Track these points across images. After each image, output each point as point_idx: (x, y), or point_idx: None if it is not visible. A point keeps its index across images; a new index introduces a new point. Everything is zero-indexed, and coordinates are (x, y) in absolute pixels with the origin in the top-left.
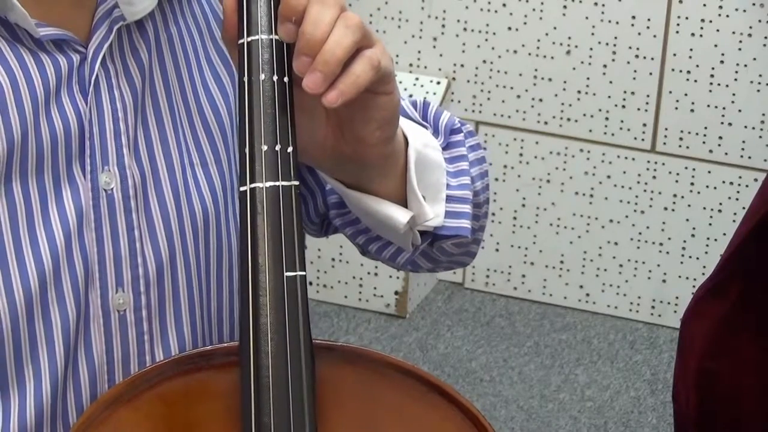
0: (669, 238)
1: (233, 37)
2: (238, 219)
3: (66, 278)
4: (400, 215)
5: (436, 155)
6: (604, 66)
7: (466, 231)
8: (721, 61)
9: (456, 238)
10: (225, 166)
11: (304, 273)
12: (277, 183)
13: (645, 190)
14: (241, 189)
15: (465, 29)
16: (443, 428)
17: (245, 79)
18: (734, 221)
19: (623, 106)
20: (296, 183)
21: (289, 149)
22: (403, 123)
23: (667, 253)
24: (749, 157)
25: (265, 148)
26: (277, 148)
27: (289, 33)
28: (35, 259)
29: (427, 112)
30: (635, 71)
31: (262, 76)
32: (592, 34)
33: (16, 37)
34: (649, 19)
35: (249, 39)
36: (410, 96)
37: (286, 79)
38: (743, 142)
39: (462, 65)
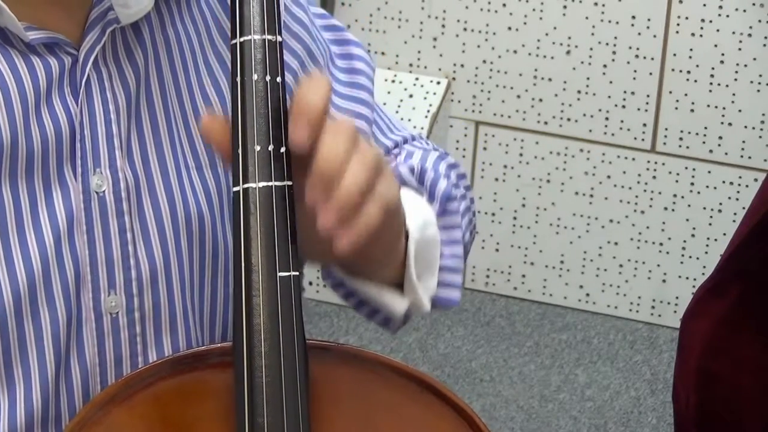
0: (669, 238)
1: (227, 152)
2: (232, 219)
3: (56, 281)
4: (397, 304)
5: (433, 232)
6: (604, 66)
7: (455, 302)
8: (721, 61)
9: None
10: (220, 169)
11: (297, 273)
12: (270, 183)
13: (645, 190)
14: (234, 189)
15: (465, 29)
16: (438, 428)
17: (238, 79)
18: (734, 221)
19: (623, 106)
20: (289, 183)
21: (282, 149)
22: (402, 201)
23: (667, 253)
24: (749, 157)
25: (258, 148)
26: (270, 148)
27: (301, 137)
28: (24, 261)
29: (424, 177)
30: (635, 71)
31: (255, 77)
32: (592, 34)
33: (6, 39)
34: (649, 19)
35: (242, 39)
36: (413, 135)
37: (279, 79)
38: (743, 142)
39: (462, 65)
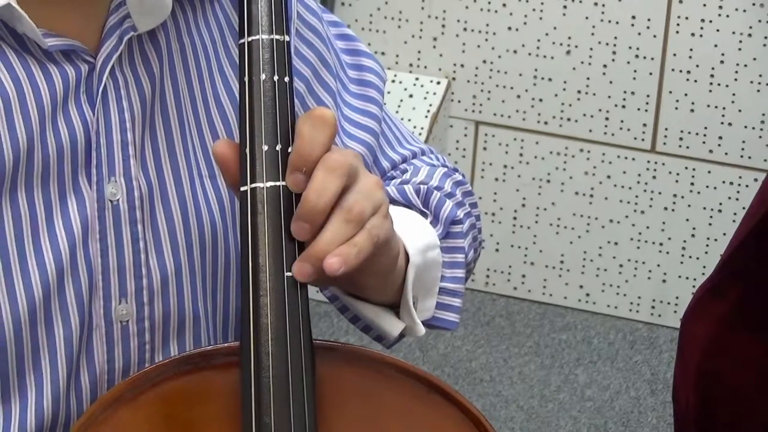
0: (669, 238)
1: (236, 183)
2: (239, 219)
3: (70, 289)
4: (392, 326)
5: (434, 254)
6: (604, 66)
7: (452, 325)
8: (721, 61)
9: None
10: None
11: None
12: (277, 183)
13: (645, 190)
14: (242, 189)
15: (465, 29)
16: (444, 428)
17: (246, 79)
18: (734, 221)
19: (623, 106)
20: None
21: (290, 149)
22: (404, 224)
23: (667, 253)
24: (749, 157)
25: (266, 148)
26: (278, 147)
27: (298, 184)
28: (39, 269)
29: (429, 199)
30: (635, 71)
31: (263, 76)
32: (592, 34)
33: (24, 47)
34: (649, 19)
35: (250, 39)
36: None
37: (286, 79)
38: (743, 142)
39: (462, 65)
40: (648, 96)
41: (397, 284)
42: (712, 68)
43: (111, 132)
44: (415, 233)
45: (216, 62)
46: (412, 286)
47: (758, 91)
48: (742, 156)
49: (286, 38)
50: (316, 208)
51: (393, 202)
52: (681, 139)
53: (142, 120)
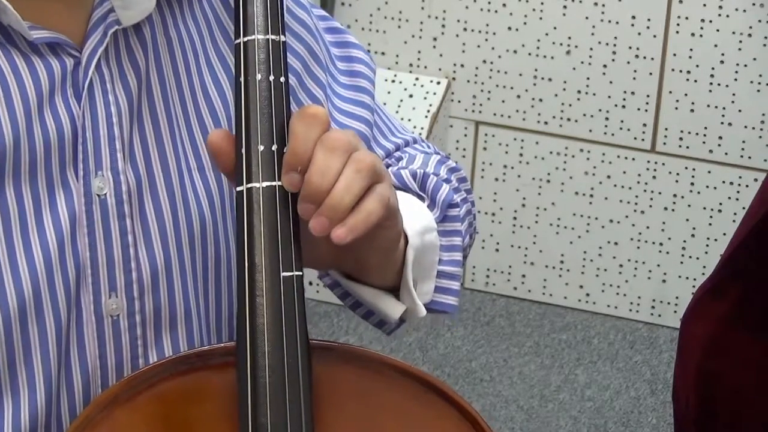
0: (669, 238)
1: (229, 172)
2: (235, 219)
3: (59, 284)
4: (393, 309)
5: (432, 237)
6: (604, 66)
7: (452, 308)
8: (721, 61)
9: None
10: None
11: (300, 273)
12: (273, 183)
13: (645, 190)
14: (238, 189)
15: (465, 29)
16: (441, 428)
17: (242, 79)
18: (734, 221)
19: (623, 106)
20: None
21: (286, 149)
22: (402, 207)
23: (667, 253)
24: (749, 157)
25: (261, 148)
26: (274, 147)
27: (294, 183)
28: (29, 265)
29: (426, 183)
30: (635, 71)
31: (259, 76)
32: (592, 34)
33: (9, 39)
34: (649, 19)
35: (245, 39)
36: (421, 139)
37: (282, 79)
38: (743, 142)
39: (462, 65)
40: (648, 96)
41: (397, 266)
42: (712, 68)
43: (97, 126)
44: (412, 216)
45: (204, 56)
46: (411, 267)
47: (758, 91)
48: (742, 156)
49: (282, 38)
50: (320, 189)
51: None
52: (681, 139)
53: (129, 114)
